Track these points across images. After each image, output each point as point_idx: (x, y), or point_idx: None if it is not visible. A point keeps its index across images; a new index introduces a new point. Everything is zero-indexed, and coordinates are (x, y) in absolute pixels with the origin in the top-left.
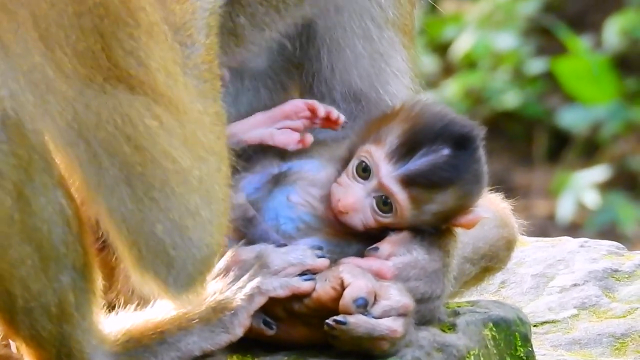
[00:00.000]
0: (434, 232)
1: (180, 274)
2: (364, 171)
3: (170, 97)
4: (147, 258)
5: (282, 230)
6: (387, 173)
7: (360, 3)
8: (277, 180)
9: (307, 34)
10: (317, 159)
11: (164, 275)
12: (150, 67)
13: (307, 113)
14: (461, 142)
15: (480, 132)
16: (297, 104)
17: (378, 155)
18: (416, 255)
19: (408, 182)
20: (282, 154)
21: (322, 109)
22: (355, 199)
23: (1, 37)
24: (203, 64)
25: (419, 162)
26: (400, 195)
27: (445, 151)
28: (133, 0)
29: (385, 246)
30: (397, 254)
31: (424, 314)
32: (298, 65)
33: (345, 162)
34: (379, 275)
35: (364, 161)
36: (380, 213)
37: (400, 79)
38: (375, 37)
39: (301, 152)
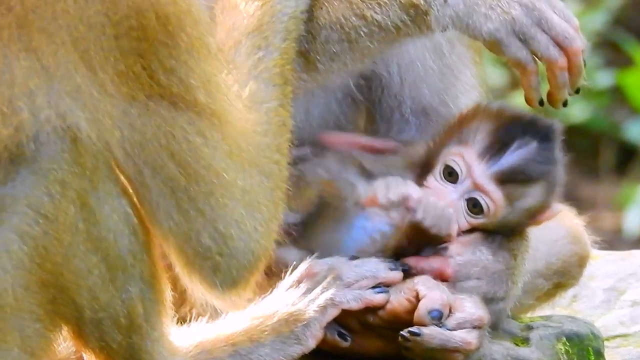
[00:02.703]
0: (505, 236)
1: (226, 278)
2: (450, 175)
3: (213, 110)
4: (195, 263)
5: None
6: (482, 172)
7: None
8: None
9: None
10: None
11: (210, 278)
12: (191, 84)
13: None
14: (548, 135)
15: (560, 126)
16: None
17: (469, 156)
18: (479, 255)
19: (503, 178)
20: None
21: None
22: (450, 202)
23: (42, 60)
24: (275, 67)
25: (511, 158)
26: (496, 194)
27: (535, 144)
28: (173, 22)
29: (454, 246)
30: (463, 254)
31: (489, 316)
32: (368, 79)
33: (422, 170)
34: (439, 273)
35: (450, 165)
36: (472, 215)
37: (470, 94)
38: (445, 52)
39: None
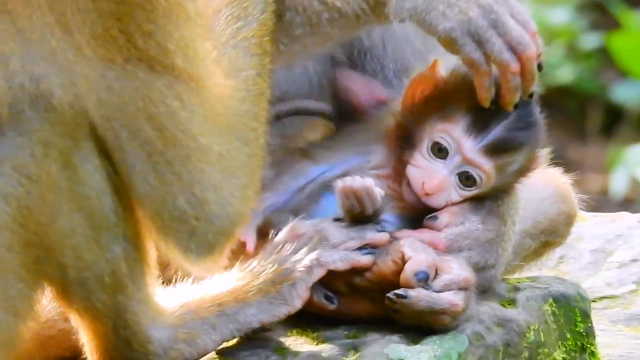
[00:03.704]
0: (494, 199)
1: (202, 243)
2: (440, 151)
3: (190, 76)
4: (170, 227)
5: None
6: (471, 148)
7: None
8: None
9: None
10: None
11: (185, 243)
12: (168, 48)
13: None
14: (526, 100)
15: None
16: None
17: (456, 133)
18: (469, 225)
19: (492, 151)
20: (312, 158)
21: None
22: (440, 179)
23: (17, 23)
24: (253, 37)
25: (497, 131)
26: (487, 166)
27: (516, 112)
28: None
29: (444, 216)
30: (453, 224)
31: (480, 283)
32: (350, 45)
33: (400, 143)
34: (431, 247)
35: (438, 142)
36: (465, 188)
37: (452, 55)
38: None
39: (329, 154)
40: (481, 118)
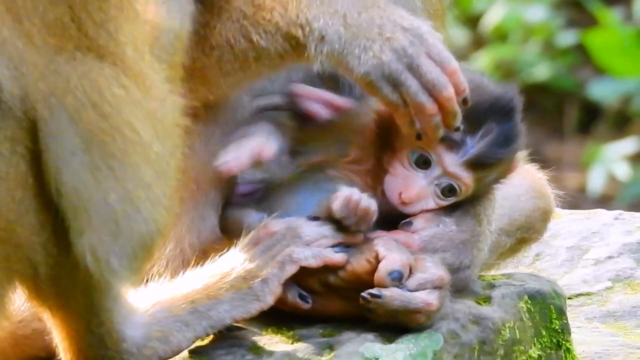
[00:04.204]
0: (469, 201)
1: (124, 247)
2: (423, 162)
3: (137, 72)
4: (95, 226)
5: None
6: (453, 162)
7: None
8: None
9: None
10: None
11: (108, 245)
12: (119, 40)
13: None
14: (509, 114)
15: (517, 94)
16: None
17: (439, 146)
18: (443, 227)
19: (475, 165)
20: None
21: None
22: (419, 190)
23: None
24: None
25: (479, 146)
26: (468, 179)
27: (499, 128)
28: None
29: (418, 221)
30: (427, 227)
31: (456, 284)
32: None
33: (377, 148)
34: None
35: (420, 153)
36: (444, 197)
37: None
38: None
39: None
40: (463, 132)
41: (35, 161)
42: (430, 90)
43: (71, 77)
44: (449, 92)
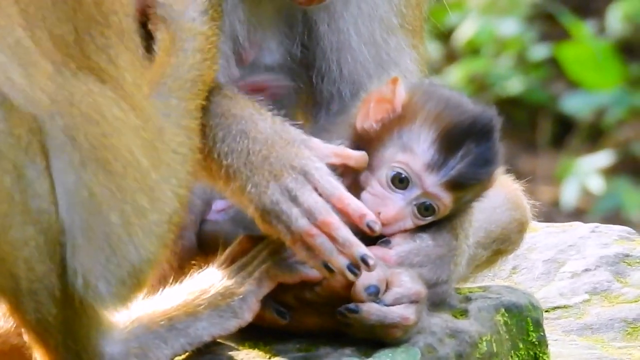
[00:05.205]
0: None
1: (114, 272)
2: (401, 182)
3: (136, 100)
4: (90, 246)
5: None
6: (432, 183)
7: (366, 9)
8: None
9: (311, 37)
10: None
11: (99, 268)
12: (119, 65)
13: None
14: (488, 134)
15: (495, 113)
16: None
17: (416, 166)
18: (420, 242)
19: (453, 185)
20: None
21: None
22: (397, 210)
23: None
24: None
25: (459, 167)
26: (447, 199)
27: (478, 149)
28: (106, 3)
29: (397, 239)
30: (404, 242)
31: (433, 299)
32: (308, 67)
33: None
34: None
35: (399, 172)
36: (421, 217)
37: (409, 80)
38: (382, 42)
39: None
40: (443, 153)
41: (22, 177)
42: (309, 217)
43: (75, 91)
44: (328, 218)
